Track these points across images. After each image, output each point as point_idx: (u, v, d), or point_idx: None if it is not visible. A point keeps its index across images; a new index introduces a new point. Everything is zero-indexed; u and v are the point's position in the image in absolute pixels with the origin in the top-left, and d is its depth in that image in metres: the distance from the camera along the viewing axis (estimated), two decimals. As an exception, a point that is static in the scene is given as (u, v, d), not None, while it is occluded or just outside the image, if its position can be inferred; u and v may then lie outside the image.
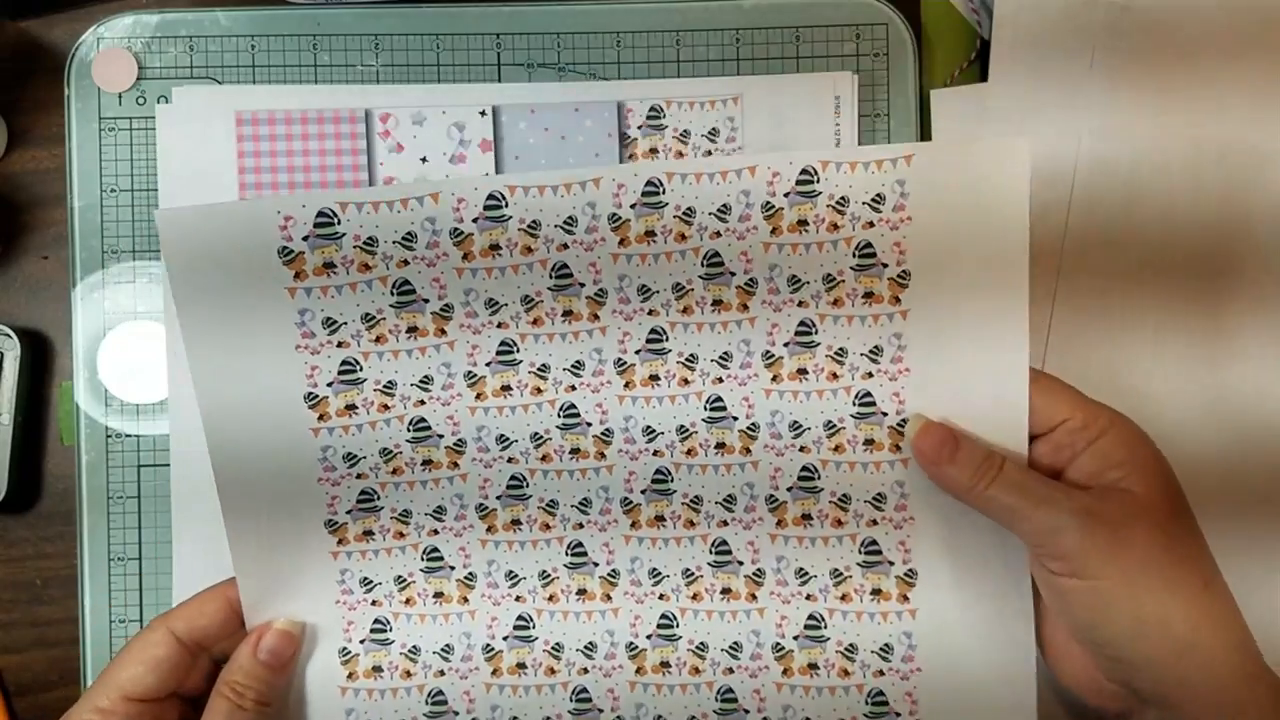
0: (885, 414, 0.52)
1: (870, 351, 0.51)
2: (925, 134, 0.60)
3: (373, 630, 0.54)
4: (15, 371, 0.58)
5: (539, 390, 0.53)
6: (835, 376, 0.52)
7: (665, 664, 0.54)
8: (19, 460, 0.59)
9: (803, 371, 0.52)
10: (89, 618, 0.58)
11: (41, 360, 0.60)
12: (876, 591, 0.53)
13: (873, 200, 0.50)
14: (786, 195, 0.51)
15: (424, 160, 0.59)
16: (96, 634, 0.58)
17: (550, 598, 0.54)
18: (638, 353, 0.52)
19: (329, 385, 0.52)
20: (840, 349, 0.52)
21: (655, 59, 0.60)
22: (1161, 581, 0.46)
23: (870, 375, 0.52)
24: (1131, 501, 0.47)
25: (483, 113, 0.59)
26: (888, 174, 0.50)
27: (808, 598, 0.53)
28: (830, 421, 0.52)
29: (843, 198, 0.51)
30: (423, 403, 0.53)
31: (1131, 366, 0.58)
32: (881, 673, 0.53)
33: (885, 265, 0.51)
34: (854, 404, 0.52)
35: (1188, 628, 0.46)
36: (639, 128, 0.59)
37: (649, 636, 0.54)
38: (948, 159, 0.50)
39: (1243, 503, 0.58)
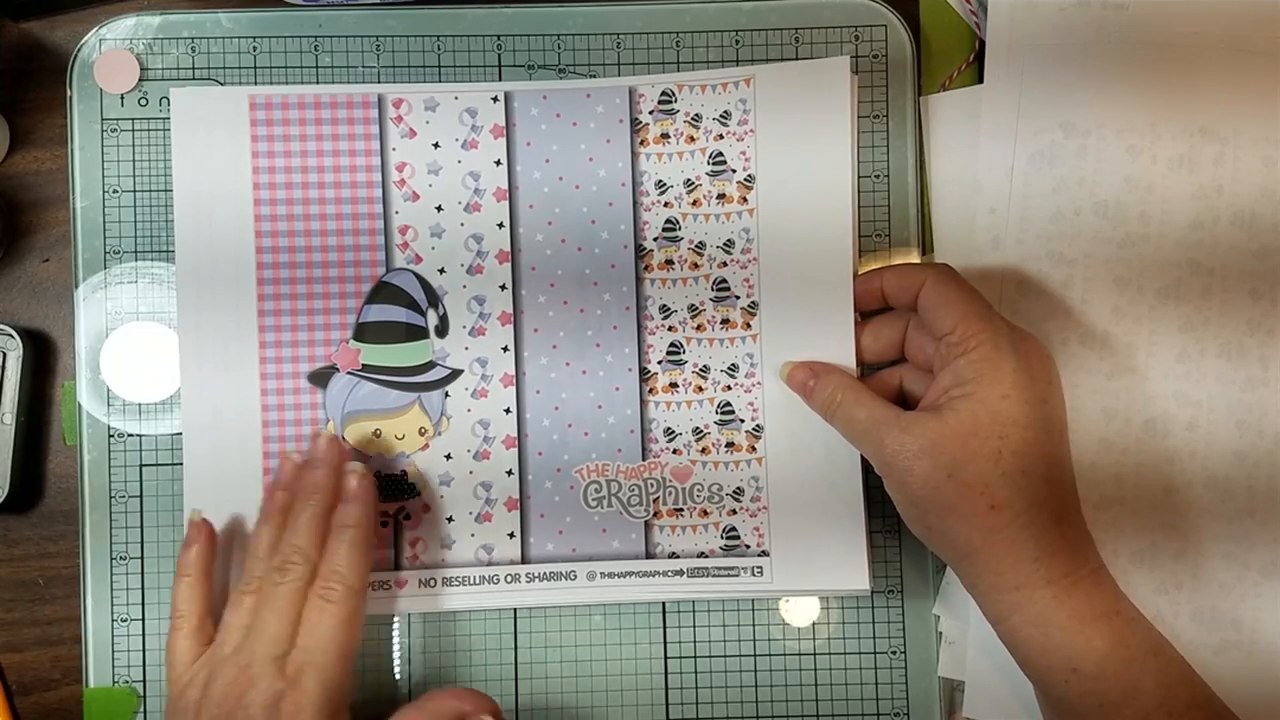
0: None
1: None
2: (923, 135, 0.60)
3: None
4: (18, 372, 0.58)
5: None
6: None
7: None
8: (22, 460, 0.59)
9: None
10: (91, 617, 0.58)
11: (44, 361, 0.60)
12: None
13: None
14: (651, 113, 0.59)
15: (436, 146, 0.59)
16: (98, 633, 0.58)
17: None
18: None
19: None
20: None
21: (655, 60, 0.60)
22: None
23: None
24: (935, 427, 0.51)
25: (495, 99, 0.59)
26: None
27: None
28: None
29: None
30: None
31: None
32: None
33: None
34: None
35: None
36: (650, 112, 0.59)
37: None
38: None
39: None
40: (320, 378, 0.58)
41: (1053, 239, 0.59)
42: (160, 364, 0.59)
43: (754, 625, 0.59)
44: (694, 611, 0.59)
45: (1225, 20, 0.58)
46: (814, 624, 0.59)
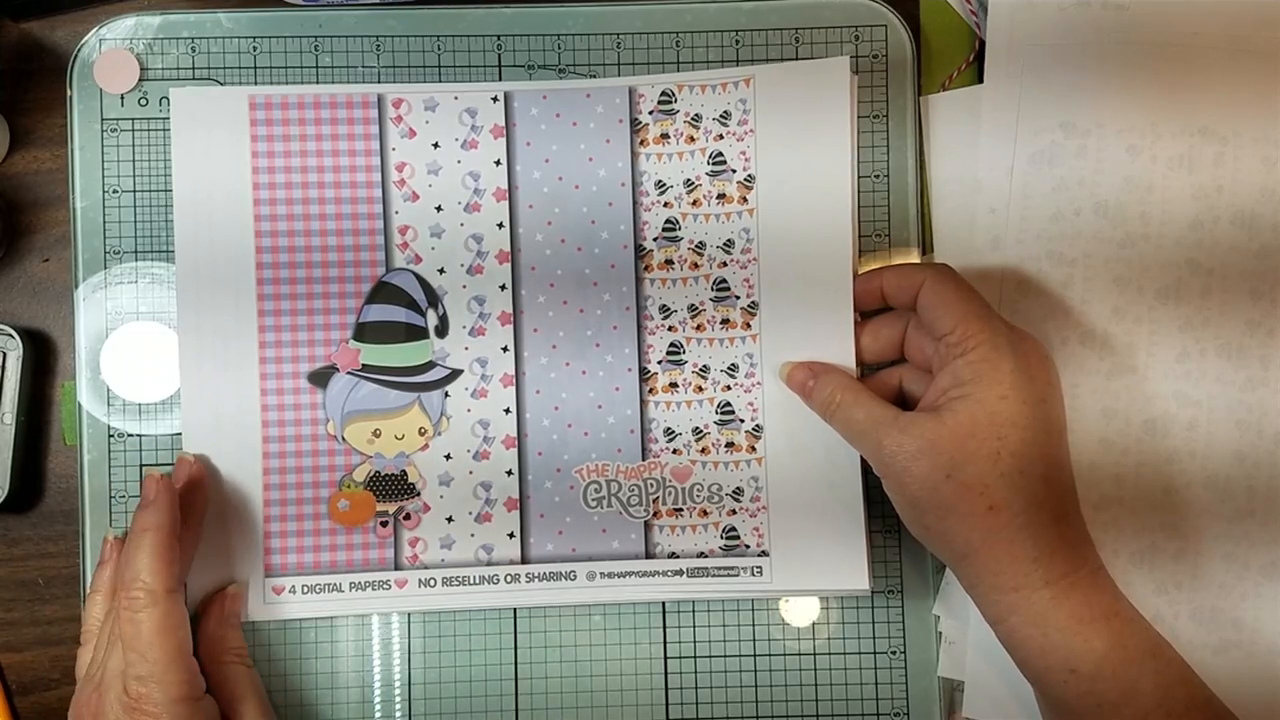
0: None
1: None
2: (923, 135, 0.60)
3: None
4: (18, 372, 0.58)
5: None
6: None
7: None
8: (21, 460, 0.59)
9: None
10: (91, 617, 0.58)
11: (44, 361, 0.60)
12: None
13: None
14: (650, 113, 0.59)
15: (436, 146, 0.59)
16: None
17: None
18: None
19: None
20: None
21: (655, 60, 0.60)
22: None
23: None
24: (933, 427, 0.51)
25: (495, 99, 0.59)
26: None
27: None
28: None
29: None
30: None
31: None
32: None
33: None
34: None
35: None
36: (650, 113, 0.59)
37: None
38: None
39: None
40: (320, 378, 0.58)
41: (1053, 239, 0.59)
42: (160, 364, 0.59)
43: (754, 625, 0.59)
44: (694, 611, 0.59)
45: (1225, 20, 0.58)
46: (814, 624, 0.59)
